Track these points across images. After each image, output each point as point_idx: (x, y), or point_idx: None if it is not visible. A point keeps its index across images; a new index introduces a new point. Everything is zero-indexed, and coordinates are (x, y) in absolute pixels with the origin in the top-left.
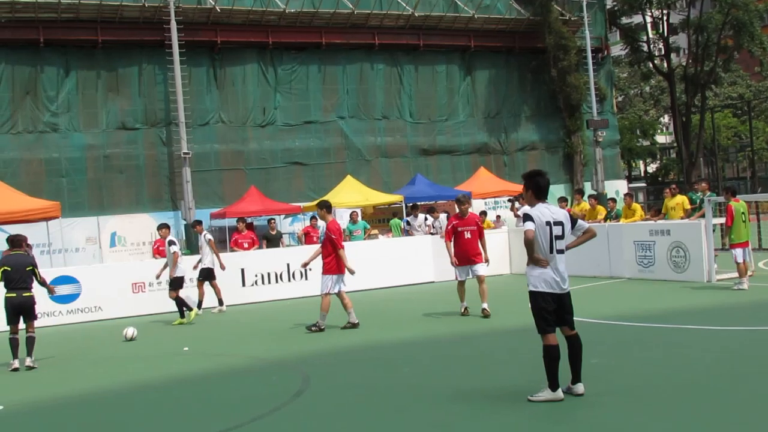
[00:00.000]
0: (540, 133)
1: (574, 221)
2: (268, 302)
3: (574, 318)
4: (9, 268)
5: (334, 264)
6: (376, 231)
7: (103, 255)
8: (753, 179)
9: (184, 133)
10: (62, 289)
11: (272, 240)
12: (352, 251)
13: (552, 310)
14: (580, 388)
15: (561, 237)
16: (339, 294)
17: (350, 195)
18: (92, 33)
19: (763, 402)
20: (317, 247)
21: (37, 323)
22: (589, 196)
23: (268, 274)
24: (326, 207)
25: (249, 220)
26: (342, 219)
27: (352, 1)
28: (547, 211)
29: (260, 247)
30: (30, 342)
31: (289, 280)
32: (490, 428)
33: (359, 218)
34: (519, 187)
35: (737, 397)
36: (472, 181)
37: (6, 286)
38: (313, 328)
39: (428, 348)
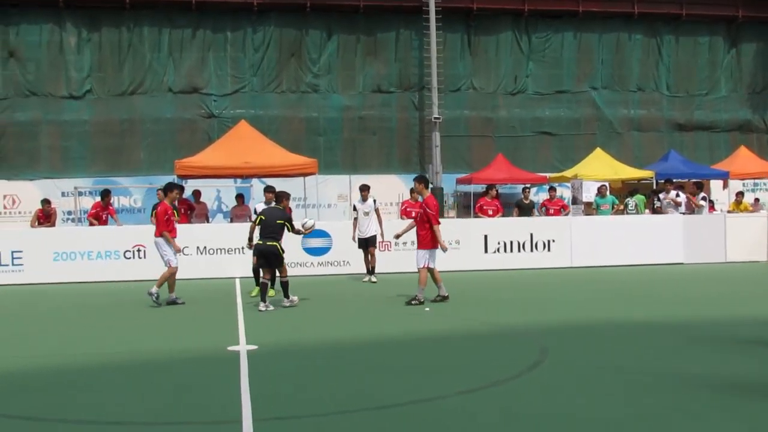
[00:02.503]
0: None
1: None
2: (509, 270)
3: None
4: (264, 218)
5: (429, 239)
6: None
7: (352, 212)
8: None
9: (436, 99)
10: (314, 242)
11: (524, 209)
12: (598, 226)
13: None
14: None
15: None
16: (430, 269)
17: (599, 168)
18: None
19: None
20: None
21: (291, 272)
22: None
23: (511, 243)
24: (425, 181)
25: (495, 188)
26: (589, 192)
27: None
28: None
29: (506, 215)
30: (283, 286)
31: (532, 250)
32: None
33: (608, 192)
34: None
35: None
36: (731, 161)
37: (260, 233)
38: (413, 302)
39: (674, 331)
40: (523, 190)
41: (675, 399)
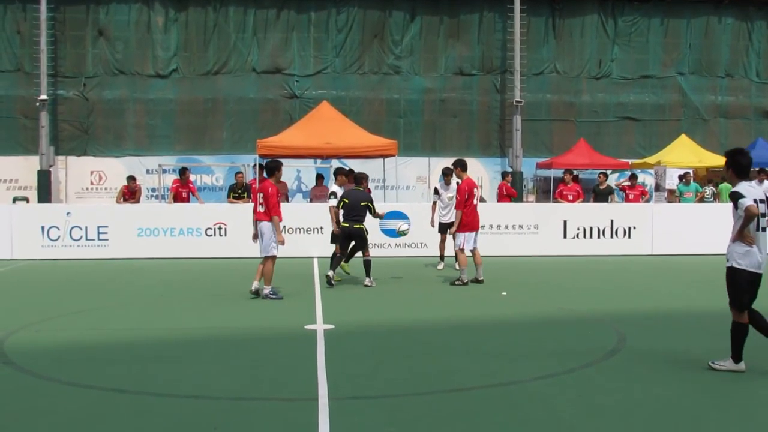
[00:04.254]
0: None
1: None
2: (588, 257)
3: None
4: (347, 201)
5: (466, 222)
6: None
7: (431, 195)
8: None
9: (518, 82)
10: (393, 224)
11: (600, 194)
12: (680, 213)
13: (747, 289)
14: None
15: (764, 215)
16: (472, 251)
17: (683, 155)
18: None
19: None
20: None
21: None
22: None
23: (590, 229)
24: (461, 165)
25: (575, 173)
26: (672, 179)
27: None
28: (752, 189)
29: (586, 201)
30: (366, 265)
31: (612, 236)
32: None
33: (692, 180)
34: None
35: None
36: None
37: (344, 216)
38: (457, 282)
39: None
40: (599, 175)
41: (751, 388)
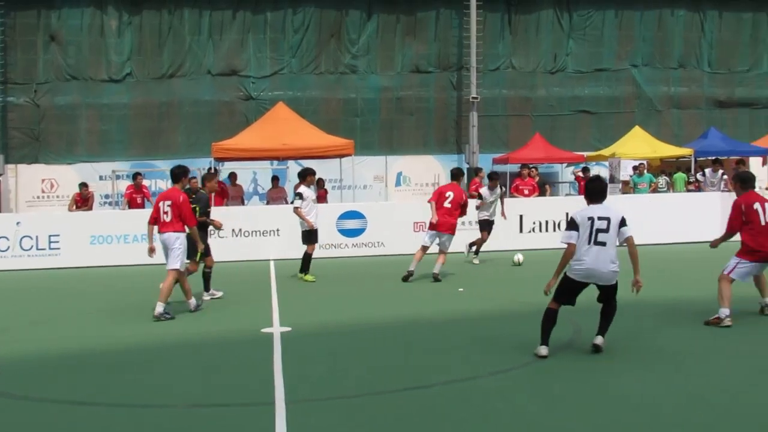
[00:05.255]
0: None
1: (624, 222)
2: (544, 250)
3: None
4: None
5: (434, 221)
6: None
7: (388, 193)
8: None
9: (474, 78)
10: (349, 224)
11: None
12: (635, 204)
13: (567, 288)
14: (598, 339)
15: (605, 231)
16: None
17: (637, 146)
18: None
19: None
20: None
21: (326, 253)
22: None
23: (547, 222)
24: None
25: (531, 167)
26: (627, 170)
27: None
28: (598, 208)
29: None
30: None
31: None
32: None
33: (645, 171)
34: None
35: None
36: None
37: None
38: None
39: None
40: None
41: (705, 371)
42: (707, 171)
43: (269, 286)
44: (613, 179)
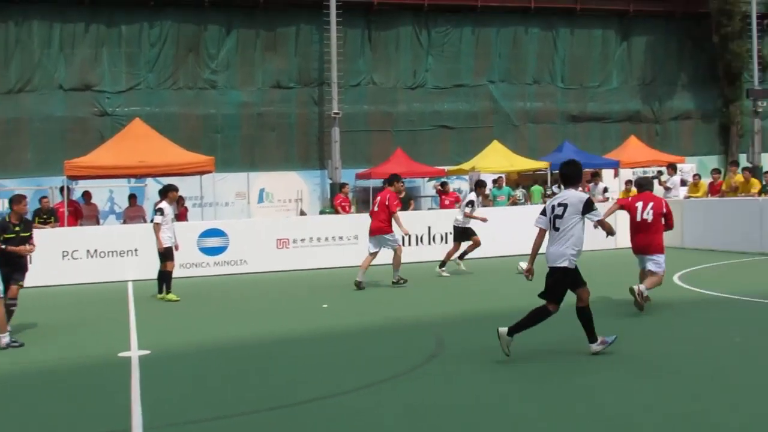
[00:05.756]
0: (695, 102)
1: (588, 207)
2: (408, 264)
3: (717, 293)
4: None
5: None
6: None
7: (251, 210)
8: None
9: (336, 94)
10: (211, 242)
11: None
12: (495, 216)
13: (550, 280)
14: (592, 348)
15: (560, 217)
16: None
17: (496, 160)
18: None
19: None
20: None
21: (186, 272)
22: (744, 169)
23: (409, 236)
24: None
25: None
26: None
27: None
28: (561, 195)
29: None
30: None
31: (430, 243)
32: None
33: (504, 184)
34: (670, 158)
35: None
36: (621, 150)
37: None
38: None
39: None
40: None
41: (567, 378)
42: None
43: (127, 307)
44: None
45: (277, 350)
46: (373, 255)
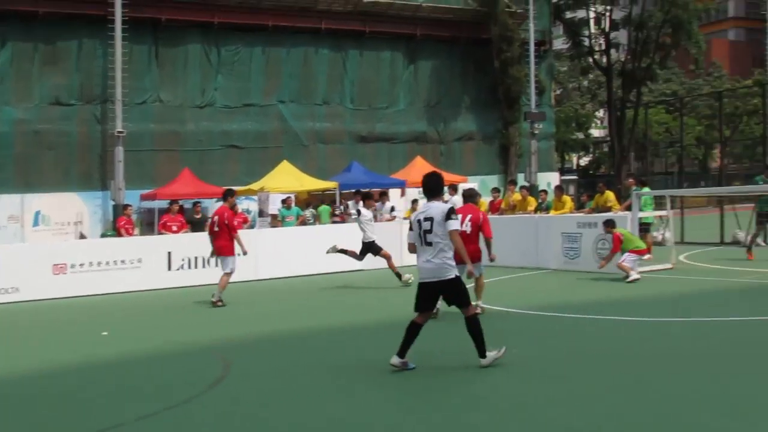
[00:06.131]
0: (478, 123)
1: (447, 215)
2: (194, 287)
3: (498, 307)
4: None
5: None
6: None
7: (25, 234)
8: (680, 175)
9: (120, 112)
10: None
11: (196, 224)
12: (285, 237)
13: (420, 295)
14: (482, 362)
15: (429, 231)
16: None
17: (285, 180)
18: (32, 4)
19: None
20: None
21: None
22: (521, 187)
23: (196, 259)
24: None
25: (180, 203)
26: (276, 204)
27: None
28: (424, 209)
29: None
30: None
31: (217, 264)
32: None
33: (293, 204)
34: (454, 178)
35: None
36: (408, 170)
37: None
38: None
39: (354, 335)
40: (194, 205)
41: (353, 397)
42: (350, 203)
43: None
44: (262, 213)
45: (47, 384)
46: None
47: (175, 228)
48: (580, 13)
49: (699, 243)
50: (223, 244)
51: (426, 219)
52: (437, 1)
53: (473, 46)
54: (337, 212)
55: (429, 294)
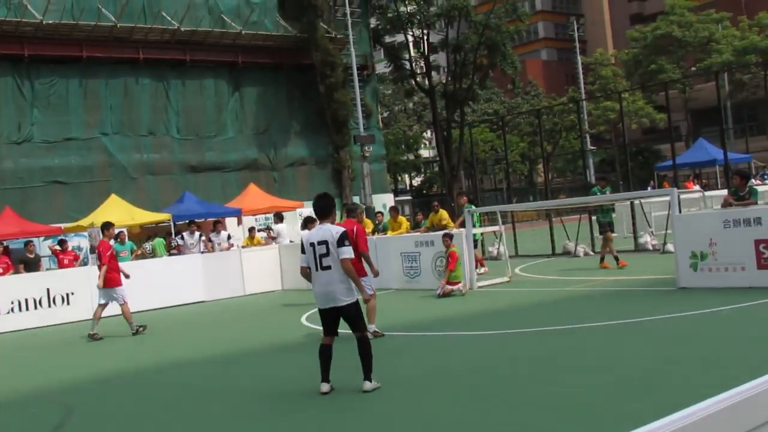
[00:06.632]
0: (309, 148)
1: (340, 241)
2: (26, 330)
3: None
4: None
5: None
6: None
7: None
8: (509, 190)
9: None
10: None
11: (30, 264)
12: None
13: (322, 320)
14: (365, 385)
15: (326, 255)
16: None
17: (116, 214)
18: None
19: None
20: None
21: None
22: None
23: (26, 300)
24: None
25: (5, 244)
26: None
27: (115, 14)
28: (317, 231)
29: (17, 272)
30: None
31: (50, 305)
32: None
33: (126, 239)
34: (289, 204)
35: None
36: (242, 198)
37: None
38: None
39: (199, 368)
40: (26, 244)
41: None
42: (185, 234)
43: None
44: (94, 249)
45: None
46: (103, 306)
47: (0, 270)
48: (399, 38)
49: (532, 255)
50: (110, 276)
51: (320, 243)
52: (257, 28)
53: (297, 72)
54: (174, 244)
55: (329, 319)
